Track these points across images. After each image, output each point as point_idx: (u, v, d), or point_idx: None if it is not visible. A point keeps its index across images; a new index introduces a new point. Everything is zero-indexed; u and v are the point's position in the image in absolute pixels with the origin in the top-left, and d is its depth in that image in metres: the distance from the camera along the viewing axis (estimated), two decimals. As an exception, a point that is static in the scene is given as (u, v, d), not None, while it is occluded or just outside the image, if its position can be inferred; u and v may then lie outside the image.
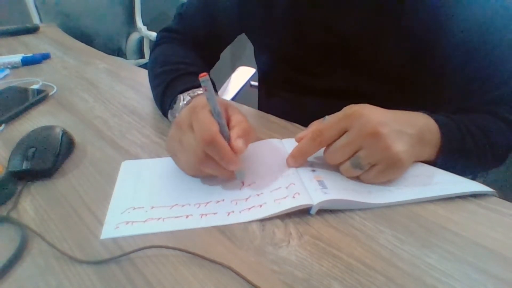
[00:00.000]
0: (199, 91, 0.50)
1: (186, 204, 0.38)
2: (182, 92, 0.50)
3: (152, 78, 0.61)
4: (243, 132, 0.39)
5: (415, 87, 0.56)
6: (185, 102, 0.49)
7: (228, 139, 0.38)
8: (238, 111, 0.42)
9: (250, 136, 0.39)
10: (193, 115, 0.38)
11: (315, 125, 0.43)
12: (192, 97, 0.49)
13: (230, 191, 0.40)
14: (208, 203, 0.38)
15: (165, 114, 0.55)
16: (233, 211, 0.37)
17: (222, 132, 0.37)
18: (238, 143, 0.37)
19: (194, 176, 0.42)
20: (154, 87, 0.59)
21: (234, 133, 0.38)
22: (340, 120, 0.38)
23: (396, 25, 0.50)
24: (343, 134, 0.38)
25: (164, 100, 0.54)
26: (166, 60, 0.60)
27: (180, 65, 0.57)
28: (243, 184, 0.41)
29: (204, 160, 0.37)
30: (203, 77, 0.35)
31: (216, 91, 0.57)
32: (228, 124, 0.39)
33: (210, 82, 0.36)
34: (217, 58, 0.72)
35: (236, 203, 0.38)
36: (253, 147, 0.47)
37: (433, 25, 0.49)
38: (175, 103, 0.51)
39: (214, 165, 0.38)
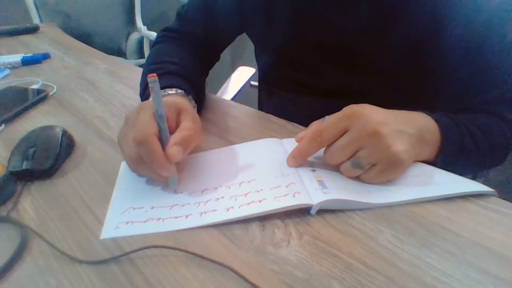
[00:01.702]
0: (171, 91, 0.49)
1: (186, 204, 0.38)
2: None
3: (141, 76, 0.61)
4: (181, 139, 0.38)
5: (415, 87, 0.56)
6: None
7: (166, 144, 0.37)
8: (192, 117, 0.41)
9: (189, 145, 0.39)
10: (137, 113, 0.38)
11: (315, 125, 0.43)
12: (163, 96, 0.47)
13: (229, 188, 0.40)
14: (207, 201, 0.38)
15: None
16: (232, 207, 0.37)
17: (161, 136, 0.37)
18: (172, 150, 0.36)
19: (135, 173, 0.42)
20: (140, 84, 0.59)
21: (172, 140, 0.37)
22: (340, 120, 0.38)
23: (396, 24, 0.50)
24: (343, 134, 0.38)
25: (143, 99, 0.54)
26: (154, 59, 0.60)
27: (162, 64, 0.56)
28: (175, 193, 0.40)
29: (136, 160, 0.37)
30: (151, 77, 0.35)
31: (200, 92, 0.57)
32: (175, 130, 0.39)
33: (157, 84, 0.36)
34: (217, 59, 0.72)
35: (236, 199, 0.38)
36: (253, 146, 0.47)
37: (433, 24, 0.49)
38: None
39: (146, 167, 0.38)
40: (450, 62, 0.51)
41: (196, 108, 0.52)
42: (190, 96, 0.50)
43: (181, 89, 0.49)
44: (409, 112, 0.43)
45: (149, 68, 0.58)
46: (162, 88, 0.49)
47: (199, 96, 0.56)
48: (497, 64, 0.49)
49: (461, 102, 0.53)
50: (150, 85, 0.36)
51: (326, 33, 0.56)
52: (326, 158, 0.40)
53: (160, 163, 0.36)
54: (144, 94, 0.54)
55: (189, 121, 0.41)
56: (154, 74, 0.35)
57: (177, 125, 0.40)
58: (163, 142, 0.37)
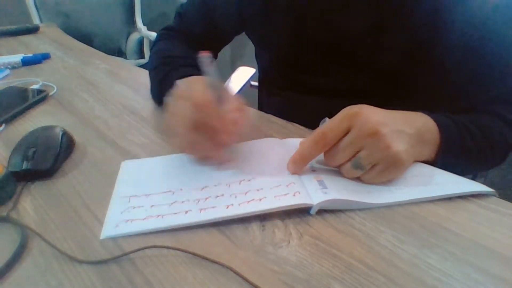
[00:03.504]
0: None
1: (186, 200, 0.38)
2: (180, 79, 0.50)
3: (150, 72, 0.62)
4: (238, 107, 0.38)
5: (415, 86, 0.56)
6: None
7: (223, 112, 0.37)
8: (238, 98, 0.42)
9: (245, 113, 0.39)
10: (189, 86, 0.38)
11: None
12: None
13: (229, 186, 0.40)
14: (207, 198, 0.38)
15: (162, 106, 0.56)
16: (232, 204, 0.37)
17: (218, 104, 0.37)
18: (233, 115, 0.37)
19: (185, 152, 0.41)
20: (152, 78, 0.60)
21: (229, 108, 0.38)
22: (342, 121, 0.38)
23: (396, 23, 0.50)
24: (346, 135, 0.38)
25: (161, 89, 0.54)
26: (165, 54, 0.61)
27: (178, 58, 0.58)
28: (229, 163, 0.40)
29: (196, 128, 0.37)
30: (205, 53, 0.36)
31: None
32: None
33: (209, 59, 0.36)
34: (215, 58, 0.72)
35: (236, 197, 0.38)
36: (253, 145, 0.47)
37: (433, 24, 0.49)
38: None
39: (205, 138, 0.37)
40: (450, 62, 0.51)
41: None
42: None
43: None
44: (409, 112, 0.43)
45: (160, 61, 0.58)
46: (185, 77, 0.49)
47: None
48: (497, 64, 0.49)
49: (460, 102, 0.53)
50: (203, 59, 0.36)
51: (326, 33, 0.56)
52: (326, 160, 0.40)
53: (222, 127, 0.36)
54: (161, 84, 0.53)
55: (238, 101, 0.41)
56: (207, 51, 0.36)
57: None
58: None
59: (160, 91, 0.54)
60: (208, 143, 0.38)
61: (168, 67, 0.56)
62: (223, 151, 0.37)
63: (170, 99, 0.41)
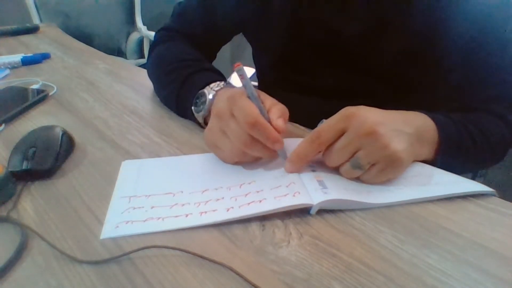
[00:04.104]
0: (222, 84, 0.50)
1: (186, 203, 0.38)
2: (203, 87, 0.50)
3: (163, 75, 0.60)
4: (281, 112, 0.41)
5: (413, 87, 0.56)
6: (211, 96, 0.48)
7: (268, 120, 0.40)
8: (268, 96, 0.44)
9: (287, 115, 0.42)
10: (232, 103, 0.40)
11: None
12: (216, 91, 0.48)
13: (230, 190, 0.40)
14: (207, 201, 0.38)
15: (181, 109, 0.56)
16: (232, 207, 0.37)
17: (262, 114, 0.39)
18: (279, 122, 0.40)
19: (237, 163, 0.44)
20: (167, 83, 0.58)
21: (273, 114, 0.41)
22: (338, 121, 0.38)
23: (393, 24, 0.50)
24: (341, 135, 0.38)
25: (182, 95, 0.54)
26: (177, 57, 0.60)
27: (193, 62, 0.58)
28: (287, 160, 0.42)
29: (249, 143, 0.39)
30: (238, 66, 0.38)
31: None
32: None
33: (244, 71, 0.39)
34: (213, 57, 0.72)
35: (236, 199, 0.38)
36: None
37: (431, 23, 0.49)
38: (198, 98, 0.50)
39: (260, 147, 0.40)
40: (448, 62, 0.52)
41: None
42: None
43: (224, 81, 0.51)
44: (407, 112, 0.43)
45: (173, 66, 0.58)
46: (211, 83, 0.50)
47: None
48: (496, 63, 0.49)
49: (459, 101, 0.53)
50: (239, 73, 0.39)
51: (324, 35, 0.56)
52: (325, 161, 0.40)
53: (274, 138, 0.39)
54: (182, 90, 0.54)
55: (271, 98, 0.44)
56: (239, 63, 0.38)
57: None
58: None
59: (182, 97, 0.54)
60: (262, 152, 0.41)
61: (186, 71, 0.55)
62: (280, 142, 0.40)
63: (215, 118, 0.42)
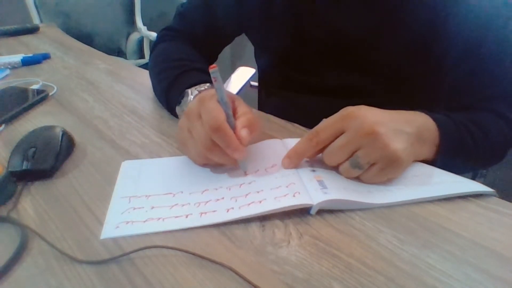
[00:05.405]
0: (206, 86, 0.50)
1: (186, 204, 0.38)
2: (189, 87, 0.51)
3: (156, 74, 0.61)
4: (248, 122, 0.40)
5: (413, 85, 0.56)
6: (192, 96, 0.49)
7: (234, 129, 0.39)
8: (244, 103, 0.43)
9: (254, 127, 0.41)
10: (201, 105, 0.40)
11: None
12: (199, 91, 0.49)
13: (230, 190, 0.40)
14: (207, 202, 0.38)
15: (170, 109, 0.56)
16: (232, 208, 0.37)
17: (228, 122, 0.39)
18: (243, 132, 0.39)
19: (202, 165, 0.43)
20: (158, 81, 0.59)
21: (239, 123, 0.40)
22: (337, 121, 0.38)
23: (394, 23, 0.50)
24: (340, 135, 0.38)
25: (170, 95, 0.54)
26: (171, 57, 0.61)
27: (185, 61, 0.58)
28: (246, 174, 0.42)
29: (211, 147, 0.39)
30: (213, 68, 0.37)
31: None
32: (234, 115, 0.41)
33: (219, 74, 0.38)
34: (215, 58, 0.72)
35: (236, 200, 0.38)
36: (253, 147, 0.47)
37: (431, 23, 0.49)
38: (183, 97, 0.51)
39: (220, 153, 0.39)
40: (449, 60, 0.52)
41: None
42: None
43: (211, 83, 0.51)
44: (407, 112, 0.43)
45: (167, 65, 0.59)
46: (198, 83, 0.51)
47: None
48: (496, 61, 0.49)
49: (460, 100, 0.53)
50: (212, 75, 0.38)
51: (326, 34, 0.56)
52: (325, 160, 0.40)
53: (235, 146, 0.38)
54: (170, 90, 0.54)
55: (245, 106, 0.43)
56: (215, 65, 0.37)
57: (233, 112, 0.42)
58: (231, 128, 0.39)
59: (170, 96, 0.55)
60: (222, 158, 0.40)
61: (176, 70, 0.56)
62: (241, 152, 0.39)
63: (184, 117, 0.42)
